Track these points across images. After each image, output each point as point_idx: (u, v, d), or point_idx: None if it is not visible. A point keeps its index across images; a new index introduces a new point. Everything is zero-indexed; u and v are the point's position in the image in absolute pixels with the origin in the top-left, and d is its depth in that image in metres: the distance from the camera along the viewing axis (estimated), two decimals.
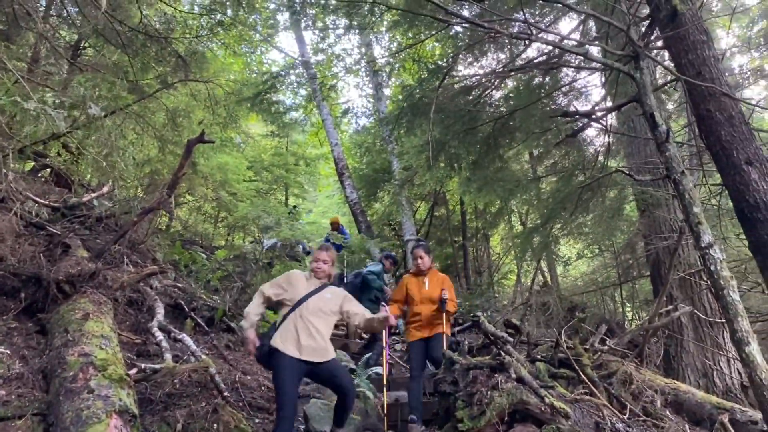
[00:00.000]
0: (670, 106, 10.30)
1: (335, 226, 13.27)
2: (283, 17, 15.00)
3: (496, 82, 8.50)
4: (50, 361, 4.79)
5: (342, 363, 6.74)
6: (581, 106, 13.12)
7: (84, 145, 7.77)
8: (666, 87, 7.40)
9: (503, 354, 4.79)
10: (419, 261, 6.03)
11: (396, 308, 5.97)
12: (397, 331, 9.47)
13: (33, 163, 8.32)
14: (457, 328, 7.83)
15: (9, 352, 5.09)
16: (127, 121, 8.56)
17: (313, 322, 4.52)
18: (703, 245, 4.31)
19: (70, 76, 8.48)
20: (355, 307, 4.83)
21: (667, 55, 7.06)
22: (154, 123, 8.74)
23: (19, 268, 5.89)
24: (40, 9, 9.12)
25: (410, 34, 9.05)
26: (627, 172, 5.02)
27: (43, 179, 9.37)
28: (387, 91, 15.44)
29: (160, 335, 5.66)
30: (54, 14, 9.56)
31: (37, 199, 7.38)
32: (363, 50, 15.19)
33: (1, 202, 6.48)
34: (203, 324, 7.02)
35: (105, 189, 9.07)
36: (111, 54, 9.16)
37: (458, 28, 7.53)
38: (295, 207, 13.66)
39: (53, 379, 4.46)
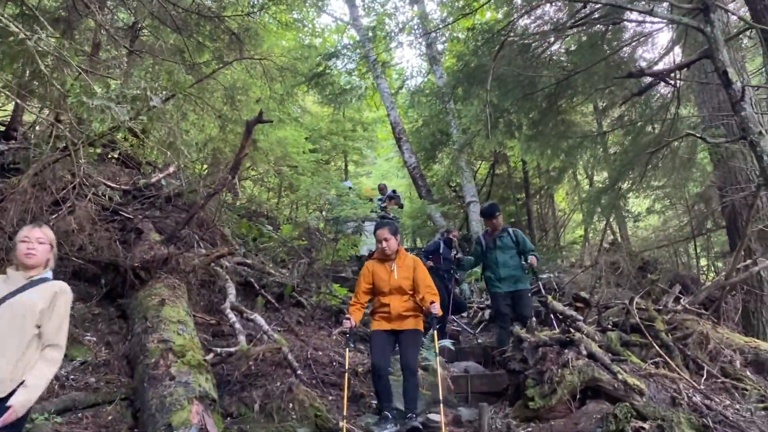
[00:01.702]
0: (745, 43, 9.59)
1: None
2: None
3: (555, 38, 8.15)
4: (132, 348, 5.05)
5: None
6: (647, 52, 12.43)
7: (148, 129, 7.99)
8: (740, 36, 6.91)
9: (573, 330, 4.71)
10: (384, 244, 4.94)
11: (358, 310, 4.95)
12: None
13: (99, 150, 8.61)
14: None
15: (95, 339, 5.40)
16: (186, 104, 8.70)
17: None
18: None
19: (130, 64, 8.65)
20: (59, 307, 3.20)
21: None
22: (212, 103, 8.85)
23: (97, 256, 6.18)
24: None
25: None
26: (699, 136, 4.74)
27: (113, 161, 9.72)
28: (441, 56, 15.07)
29: (233, 317, 5.85)
30: None
31: (109, 184, 7.66)
32: (416, 7, 14.84)
33: (74, 191, 6.74)
34: (273, 300, 7.22)
35: (171, 169, 9.34)
36: (167, 36, 9.27)
37: None
38: (351, 188, 12.89)
39: (137, 366, 4.70)
